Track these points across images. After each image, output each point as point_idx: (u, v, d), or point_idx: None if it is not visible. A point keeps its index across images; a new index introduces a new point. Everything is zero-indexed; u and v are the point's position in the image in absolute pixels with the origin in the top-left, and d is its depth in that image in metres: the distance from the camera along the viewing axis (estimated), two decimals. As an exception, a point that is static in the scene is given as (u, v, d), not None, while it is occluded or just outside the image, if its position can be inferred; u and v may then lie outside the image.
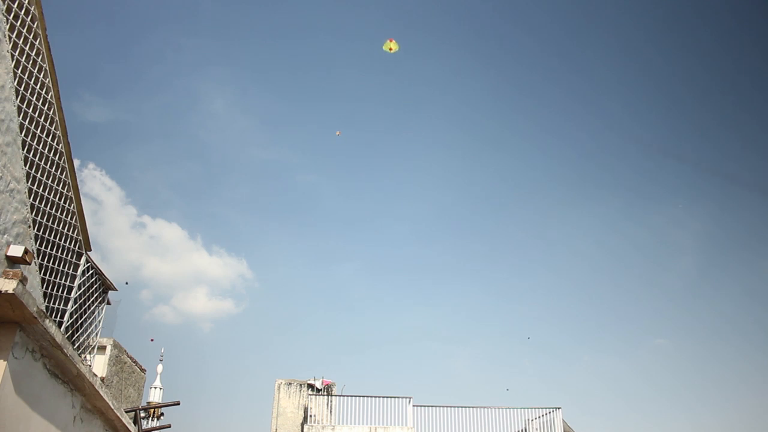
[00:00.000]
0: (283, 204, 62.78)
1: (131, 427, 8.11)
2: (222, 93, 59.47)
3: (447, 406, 17.12)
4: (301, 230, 61.36)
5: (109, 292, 9.18)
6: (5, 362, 4.65)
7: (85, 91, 55.81)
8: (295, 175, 62.04)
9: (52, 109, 7.08)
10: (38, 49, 6.72)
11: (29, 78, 6.61)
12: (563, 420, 17.24)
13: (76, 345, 8.23)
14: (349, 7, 59.12)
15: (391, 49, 16.30)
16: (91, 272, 8.49)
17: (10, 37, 6.22)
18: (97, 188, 48.58)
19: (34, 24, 6.62)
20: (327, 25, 58.77)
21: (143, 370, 14.12)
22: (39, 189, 6.89)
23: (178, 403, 13.96)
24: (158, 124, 59.00)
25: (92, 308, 8.66)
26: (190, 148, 59.67)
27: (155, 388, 18.75)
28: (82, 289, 8.22)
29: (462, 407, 17.13)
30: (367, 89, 59.95)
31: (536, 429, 17.13)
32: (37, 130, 6.81)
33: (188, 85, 59.12)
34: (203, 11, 56.93)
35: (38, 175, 6.86)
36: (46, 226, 7.10)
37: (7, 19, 6.19)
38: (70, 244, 7.76)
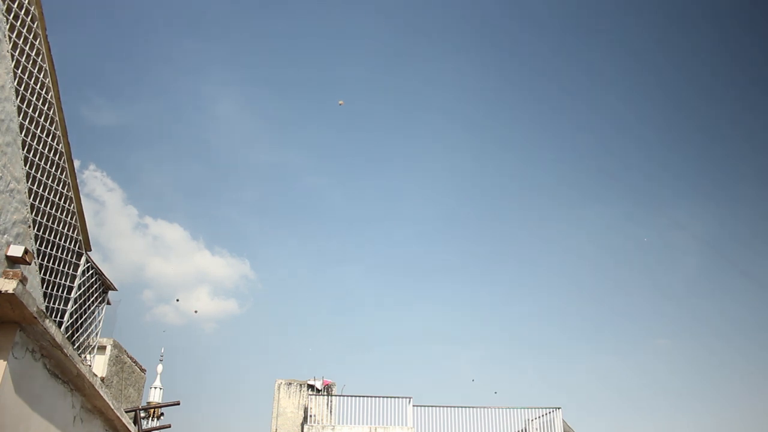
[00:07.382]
0: (286, 205, 62.82)
1: (131, 427, 8.11)
2: (226, 95, 59.48)
3: (447, 406, 17.14)
4: (305, 231, 61.37)
5: (109, 292, 9.18)
6: (5, 362, 4.65)
7: (88, 93, 55.83)
8: (299, 177, 62.03)
9: (52, 109, 7.08)
10: (38, 49, 6.72)
11: (29, 78, 6.61)
12: (563, 420, 17.25)
13: (76, 345, 8.23)
14: (354, 9, 59.13)
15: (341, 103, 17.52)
16: (91, 272, 8.49)
17: (10, 37, 6.22)
18: (99, 189, 48.59)
19: (34, 24, 6.62)
20: (331, 26, 58.77)
21: (143, 370, 14.12)
22: (39, 189, 6.88)
23: (178, 403, 13.96)
24: (161, 125, 59.02)
25: (92, 308, 8.66)
26: (192, 149, 59.69)
27: (155, 388, 18.76)
28: (82, 289, 8.22)
29: (462, 407, 17.16)
30: (372, 90, 59.94)
31: (536, 429, 17.13)
32: (37, 130, 6.81)
33: (191, 86, 59.12)
34: (208, 13, 56.91)
35: (38, 175, 6.86)
36: (46, 226, 7.10)
37: (7, 19, 6.19)
38: (70, 244, 7.76)
